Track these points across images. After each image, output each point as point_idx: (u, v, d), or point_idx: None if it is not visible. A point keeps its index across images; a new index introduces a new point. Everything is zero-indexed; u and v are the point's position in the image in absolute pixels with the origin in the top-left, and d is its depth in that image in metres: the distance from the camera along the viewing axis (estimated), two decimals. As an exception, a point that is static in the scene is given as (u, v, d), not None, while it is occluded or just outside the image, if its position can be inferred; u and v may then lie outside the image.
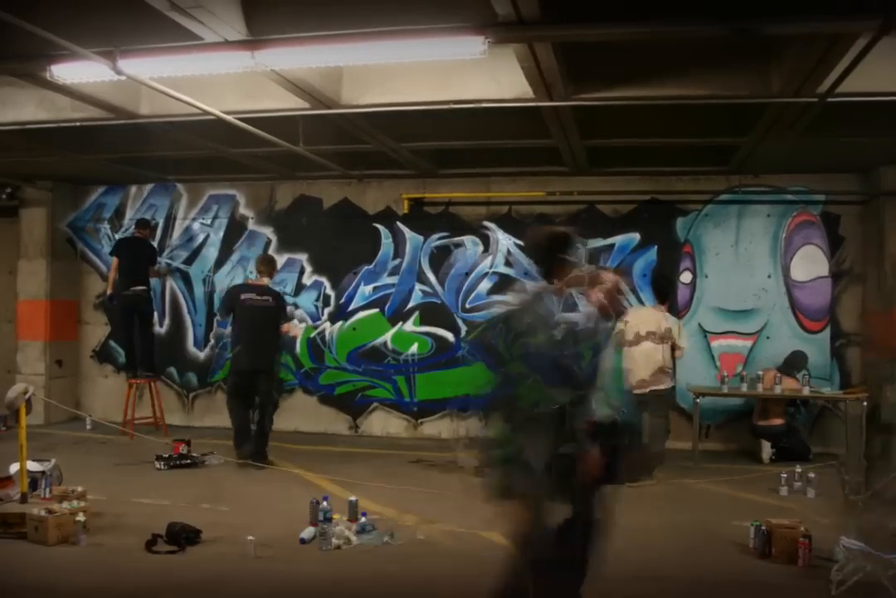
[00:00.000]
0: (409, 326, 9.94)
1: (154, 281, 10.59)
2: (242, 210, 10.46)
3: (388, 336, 10.00)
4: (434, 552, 5.35)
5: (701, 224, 9.33)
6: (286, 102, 6.50)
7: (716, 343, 9.21)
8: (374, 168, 9.57)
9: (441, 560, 5.19)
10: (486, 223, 9.81)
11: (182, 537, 5.28)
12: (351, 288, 10.11)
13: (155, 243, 10.47)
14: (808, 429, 8.98)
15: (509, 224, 9.74)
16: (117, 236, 10.63)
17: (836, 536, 4.85)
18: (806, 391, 8.22)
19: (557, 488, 3.33)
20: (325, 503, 5.48)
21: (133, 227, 10.27)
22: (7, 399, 5.93)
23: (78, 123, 7.02)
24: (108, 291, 10.01)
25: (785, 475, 7.06)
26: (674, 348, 7.57)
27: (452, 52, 4.99)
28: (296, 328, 9.28)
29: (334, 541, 5.35)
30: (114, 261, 9.91)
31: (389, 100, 6.47)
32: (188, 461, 7.86)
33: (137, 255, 9.93)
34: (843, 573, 4.65)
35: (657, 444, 7.40)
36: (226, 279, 10.42)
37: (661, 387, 7.40)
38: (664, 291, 7.94)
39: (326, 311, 10.20)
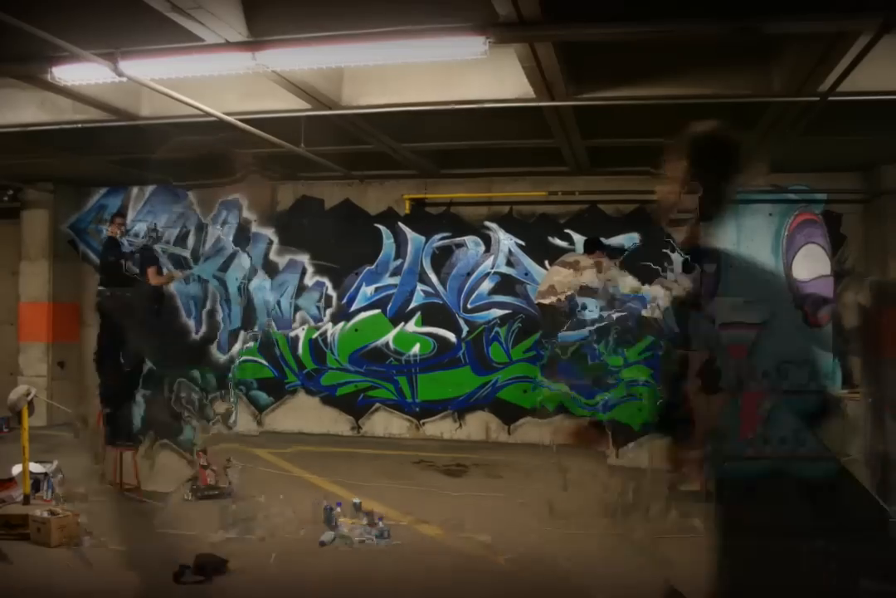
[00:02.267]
0: (411, 326, 9.94)
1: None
2: (245, 212, 10.46)
3: (389, 337, 9.99)
4: (444, 554, 5.35)
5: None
6: (287, 103, 6.50)
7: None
8: (375, 169, 9.56)
9: (451, 561, 5.20)
10: (488, 223, 9.80)
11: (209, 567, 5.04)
12: (352, 289, 10.11)
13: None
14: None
15: (511, 224, 9.73)
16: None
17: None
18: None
19: None
20: (338, 509, 5.50)
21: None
22: (10, 401, 5.93)
23: (79, 125, 7.02)
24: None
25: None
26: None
27: (453, 53, 4.99)
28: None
29: (349, 542, 5.36)
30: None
31: (390, 100, 6.47)
32: (216, 492, 6.72)
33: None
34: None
35: None
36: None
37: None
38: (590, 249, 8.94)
39: (328, 312, 10.19)
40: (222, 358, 10.35)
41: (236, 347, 10.31)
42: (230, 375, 10.11)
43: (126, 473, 6.65)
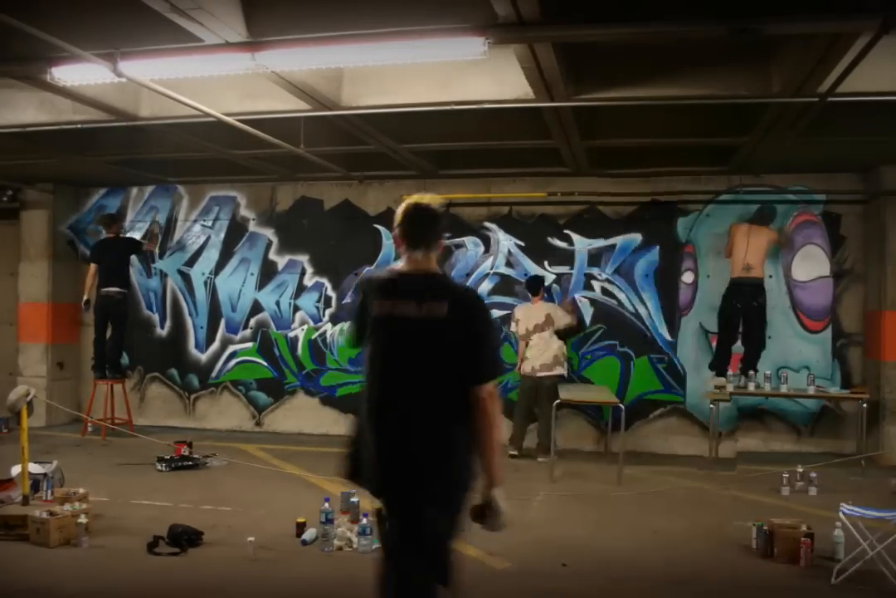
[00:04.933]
0: (411, 327, 9.91)
1: (155, 282, 10.63)
2: (243, 211, 10.47)
3: (389, 337, 9.96)
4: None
5: (702, 224, 9.32)
6: (287, 104, 6.50)
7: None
8: (374, 169, 9.57)
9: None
10: (487, 224, 9.81)
11: (183, 538, 5.28)
12: (352, 289, 10.11)
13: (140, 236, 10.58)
14: (809, 429, 8.99)
15: (510, 225, 9.74)
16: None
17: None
18: (811, 390, 8.23)
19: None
20: (326, 505, 5.47)
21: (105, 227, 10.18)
22: (9, 401, 5.93)
23: (79, 125, 7.02)
24: (85, 297, 10.06)
25: (787, 475, 7.06)
26: (564, 330, 8.81)
27: (453, 53, 4.99)
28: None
29: (336, 542, 5.35)
30: (91, 267, 9.99)
31: (390, 101, 6.48)
32: (190, 463, 7.87)
33: (113, 256, 9.96)
34: (844, 561, 4.72)
35: (549, 421, 8.09)
36: (227, 281, 10.44)
37: (552, 374, 8.61)
38: (535, 288, 8.98)
39: (328, 312, 10.20)
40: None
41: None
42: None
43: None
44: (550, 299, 9.36)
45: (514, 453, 8.60)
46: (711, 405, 8.25)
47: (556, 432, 8.10)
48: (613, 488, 7.26)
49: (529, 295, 9.04)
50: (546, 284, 9.34)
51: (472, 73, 6.11)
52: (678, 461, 8.56)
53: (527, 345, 8.78)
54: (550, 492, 7.13)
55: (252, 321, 10.38)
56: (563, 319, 8.85)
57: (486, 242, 9.79)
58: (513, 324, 9.02)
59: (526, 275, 9.63)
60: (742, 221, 8.90)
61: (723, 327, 8.87)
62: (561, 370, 8.72)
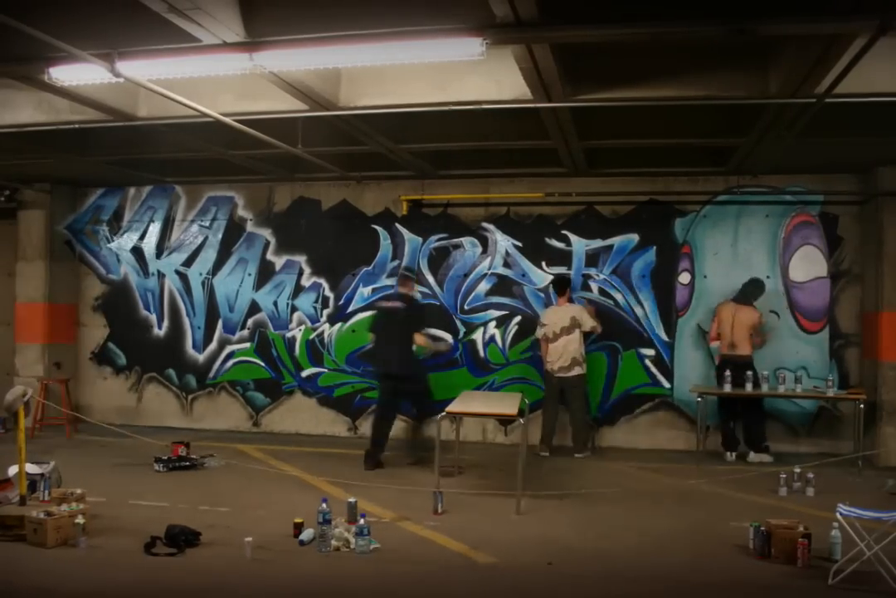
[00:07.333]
0: (408, 327, 9.92)
1: (153, 282, 10.62)
2: (241, 212, 10.46)
3: (387, 338, 9.97)
4: (433, 554, 5.35)
5: (699, 225, 9.33)
6: (284, 104, 6.51)
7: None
8: (372, 170, 9.57)
9: (440, 561, 5.19)
10: (485, 224, 9.81)
11: (181, 539, 5.27)
12: (350, 290, 10.11)
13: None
14: (806, 429, 9.01)
15: (508, 225, 9.74)
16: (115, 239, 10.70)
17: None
18: (804, 389, 8.25)
19: None
20: (323, 505, 5.47)
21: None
22: (6, 402, 5.92)
23: (76, 126, 7.02)
24: None
25: (784, 476, 7.07)
26: (588, 331, 8.92)
27: (450, 54, 4.99)
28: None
29: (333, 543, 5.34)
30: None
31: (387, 101, 6.48)
32: (187, 463, 7.86)
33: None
34: (841, 562, 4.74)
35: (582, 418, 8.93)
36: (224, 281, 10.44)
37: (571, 375, 8.82)
38: (562, 288, 9.06)
39: (325, 312, 10.19)
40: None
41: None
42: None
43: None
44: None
45: (546, 454, 8.75)
46: (699, 399, 8.29)
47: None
48: (603, 485, 7.29)
49: (555, 295, 9.20)
50: (572, 283, 9.35)
51: (469, 73, 6.12)
52: (665, 457, 8.62)
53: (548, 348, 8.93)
54: (538, 490, 7.14)
55: (250, 322, 10.38)
56: (588, 323, 8.85)
57: (484, 242, 9.80)
58: (539, 329, 9.02)
59: (524, 276, 9.64)
60: (727, 300, 8.88)
61: (720, 403, 8.79)
62: (580, 370, 8.83)
